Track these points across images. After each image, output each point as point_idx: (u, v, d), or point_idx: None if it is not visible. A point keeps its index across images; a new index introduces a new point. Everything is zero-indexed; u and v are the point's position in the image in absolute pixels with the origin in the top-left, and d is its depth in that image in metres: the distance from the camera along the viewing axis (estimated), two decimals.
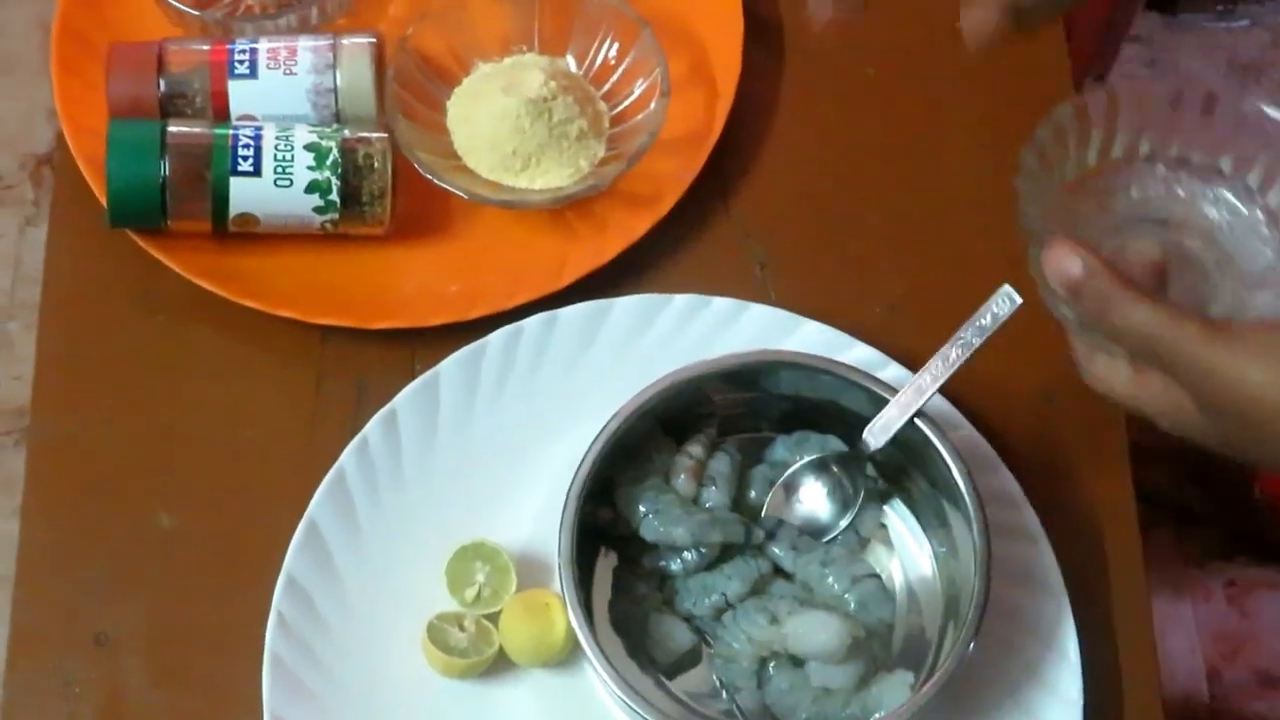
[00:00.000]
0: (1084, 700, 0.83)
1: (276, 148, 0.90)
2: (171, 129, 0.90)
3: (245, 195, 0.90)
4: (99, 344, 0.93)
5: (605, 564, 0.86)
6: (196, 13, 0.95)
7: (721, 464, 0.86)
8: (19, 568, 0.88)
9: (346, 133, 0.91)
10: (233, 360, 0.92)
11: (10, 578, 0.88)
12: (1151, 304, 0.70)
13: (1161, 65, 1.85)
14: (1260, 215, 0.80)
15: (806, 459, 0.86)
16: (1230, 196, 0.81)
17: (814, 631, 0.80)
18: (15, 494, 0.90)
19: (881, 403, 0.83)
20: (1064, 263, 0.70)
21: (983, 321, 0.82)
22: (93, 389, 0.92)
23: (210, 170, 0.89)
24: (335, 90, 0.93)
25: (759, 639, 0.81)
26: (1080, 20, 1.03)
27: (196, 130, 0.90)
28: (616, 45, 0.96)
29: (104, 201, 0.91)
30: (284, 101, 0.93)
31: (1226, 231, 0.81)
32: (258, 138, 0.90)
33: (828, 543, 0.85)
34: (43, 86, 0.98)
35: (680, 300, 0.91)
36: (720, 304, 0.91)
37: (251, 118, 0.92)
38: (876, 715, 0.80)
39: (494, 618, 0.84)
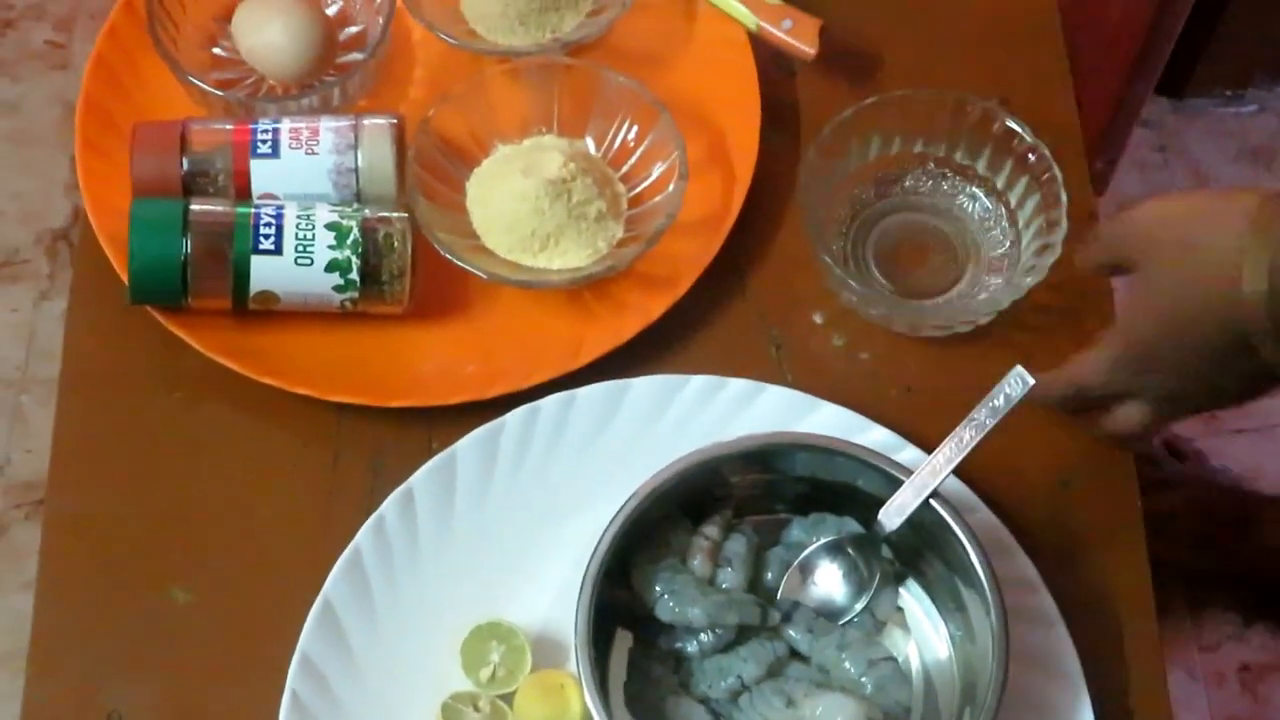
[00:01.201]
0: None
1: (298, 226, 0.90)
2: (194, 207, 0.91)
3: (266, 273, 0.90)
4: (117, 420, 0.93)
5: (621, 645, 0.86)
6: (220, 93, 0.96)
7: (737, 545, 0.86)
8: (32, 644, 0.88)
9: (367, 212, 0.92)
10: (250, 438, 0.93)
11: (18, 653, 0.88)
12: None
13: (1171, 150, 1.87)
14: (1002, 210, 0.96)
15: (822, 541, 0.86)
16: (981, 194, 0.97)
17: (831, 715, 0.79)
18: (24, 567, 0.91)
19: (897, 484, 0.83)
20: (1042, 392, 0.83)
21: (996, 403, 0.83)
22: (109, 465, 0.92)
23: (232, 248, 0.90)
24: (356, 170, 0.94)
25: None
26: (1090, 106, 1.05)
27: (219, 209, 0.91)
28: (635, 128, 0.97)
29: (124, 278, 0.92)
30: (305, 181, 0.93)
31: (976, 222, 0.97)
32: (279, 216, 0.91)
33: (844, 625, 0.85)
34: (60, 162, 0.99)
35: (697, 381, 0.91)
36: (737, 385, 0.91)
37: (273, 197, 0.93)
38: None
39: (509, 698, 0.84)
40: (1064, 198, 0.92)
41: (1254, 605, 1.61)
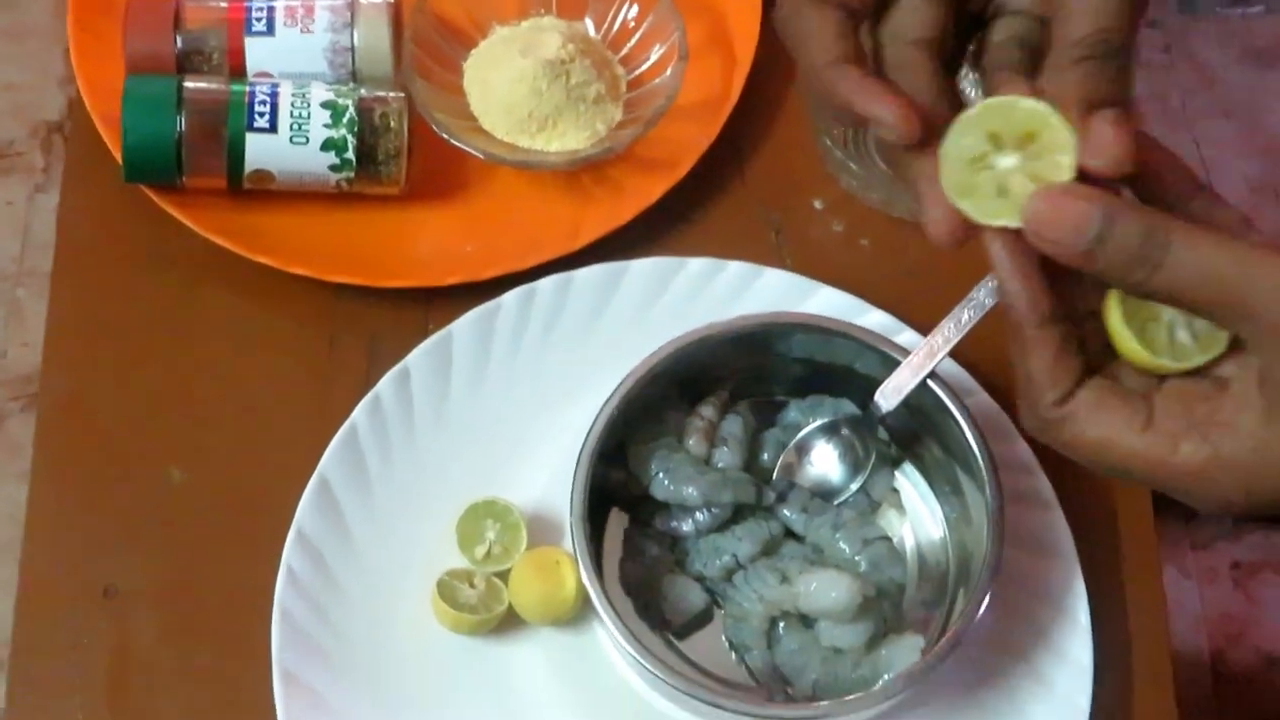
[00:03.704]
0: (1094, 665, 0.83)
1: (293, 105, 0.90)
2: (188, 85, 0.90)
3: (261, 152, 0.90)
4: (111, 301, 0.93)
5: (616, 525, 0.86)
6: None
7: (734, 426, 0.86)
8: (28, 520, 0.88)
9: (363, 92, 0.91)
10: (246, 317, 0.92)
11: (16, 541, 0.88)
12: (1218, 237, 0.51)
13: (1177, 51, 1.85)
14: None
15: (819, 422, 0.86)
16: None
17: (825, 590, 0.80)
18: (21, 458, 0.91)
19: (895, 366, 0.83)
20: (1068, 213, 0.52)
21: (995, 283, 0.82)
22: (105, 345, 0.92)
23: (226, 126, 0.89)
24: (352, 49, 0.93)
25: (770, 598, 0.81)
26: None
27: (213, 86, 0.90)
28: (635, 9, 0.96)
29: (119, 158, 0.91)
30: (300, 60, 0.92)
31: None
32: (274, 94, 0.90)
33: (839, 505, 0.85)
34: (54, 54, 0.98)
35: (695, 264, 0.91)
36: (735, 268, 0.91)
37: (268, 75, 0.92)
38: (886, 676, 0.79)
39: (504, 575, 0.84)
40: None
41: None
